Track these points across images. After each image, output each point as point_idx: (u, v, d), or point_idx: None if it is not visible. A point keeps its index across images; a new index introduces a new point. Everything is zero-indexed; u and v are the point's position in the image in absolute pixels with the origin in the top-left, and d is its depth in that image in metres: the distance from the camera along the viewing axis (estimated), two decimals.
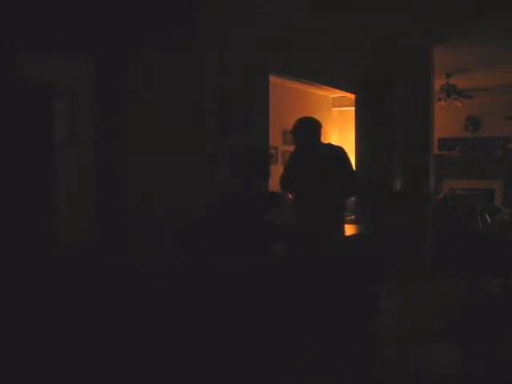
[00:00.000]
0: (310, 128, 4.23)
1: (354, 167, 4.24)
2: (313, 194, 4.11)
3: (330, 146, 4.38)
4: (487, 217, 6.78)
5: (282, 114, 6.64)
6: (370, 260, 3.54)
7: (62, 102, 3.04)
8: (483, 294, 4.89)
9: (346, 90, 6.29)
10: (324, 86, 6.20)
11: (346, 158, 4.19)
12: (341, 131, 8.89)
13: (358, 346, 3.37)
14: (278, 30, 4.60)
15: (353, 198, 6.53)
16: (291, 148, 4.79)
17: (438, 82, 8.09)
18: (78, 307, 2.27)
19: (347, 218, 7.22)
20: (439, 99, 8.58)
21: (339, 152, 4.20)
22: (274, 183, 4.54)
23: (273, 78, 4.88)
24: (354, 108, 6.52)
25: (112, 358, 2.22)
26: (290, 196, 4.52)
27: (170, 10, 3.52)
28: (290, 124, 8.07)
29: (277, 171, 4.63)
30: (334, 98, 8.72)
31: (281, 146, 7.50)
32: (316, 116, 7.40)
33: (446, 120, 9.77)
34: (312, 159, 4.19)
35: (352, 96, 6.44)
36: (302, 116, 4.47)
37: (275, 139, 4.27)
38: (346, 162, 4.16)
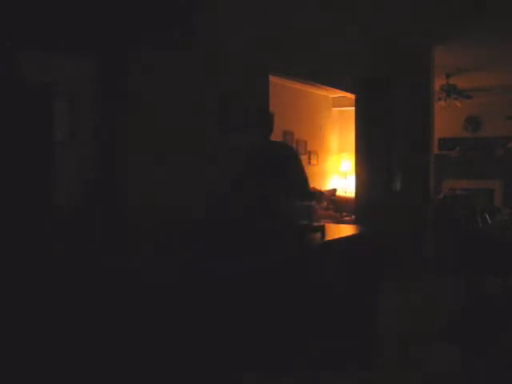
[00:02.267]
0: (260, 115, 3.94)
1: (304, 169, 3.81)
2: (260, 192, 3.66)
3: (280, 143, 4.07)
4: (487, 217, 6.77)
5: (282, 114, 6.65)
6: (370, 260, 3.54)
7: (62, 102, 3.04)
8: (483, 293, 4.89)
9: (346, 90, 6.29)
10: (324, 86, 6.21)
11: (297, 158, 3.86)
12: (341, 131, 8.89)
13: (358, 345, 3.37)
14: (278, 30, 4.60)
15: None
16: None
17: (438, 82, 8.10)
18: (77, 307, 2.27)
19: (346, 219, 7.25)
20: (439, 99, 8.58)
21: (290, 151, 3.94)
22: None
23: (273, 78, 4.88)
24: (354, 108, 6.53)
25: (112, 359, 2.22)
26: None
27: (170, 9, 3.52)
28: (289, 124, 8.05)
29: None
30: (333, 97, 8.72)
31: None
32: (316, 116, 7.39)
33: (446, 120, 9.78)
34: (261, 156, 3.81)
35: (352, 96, 6.45)
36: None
37: (275, 139, 4.29)
38: (296, 162, 3.81)
